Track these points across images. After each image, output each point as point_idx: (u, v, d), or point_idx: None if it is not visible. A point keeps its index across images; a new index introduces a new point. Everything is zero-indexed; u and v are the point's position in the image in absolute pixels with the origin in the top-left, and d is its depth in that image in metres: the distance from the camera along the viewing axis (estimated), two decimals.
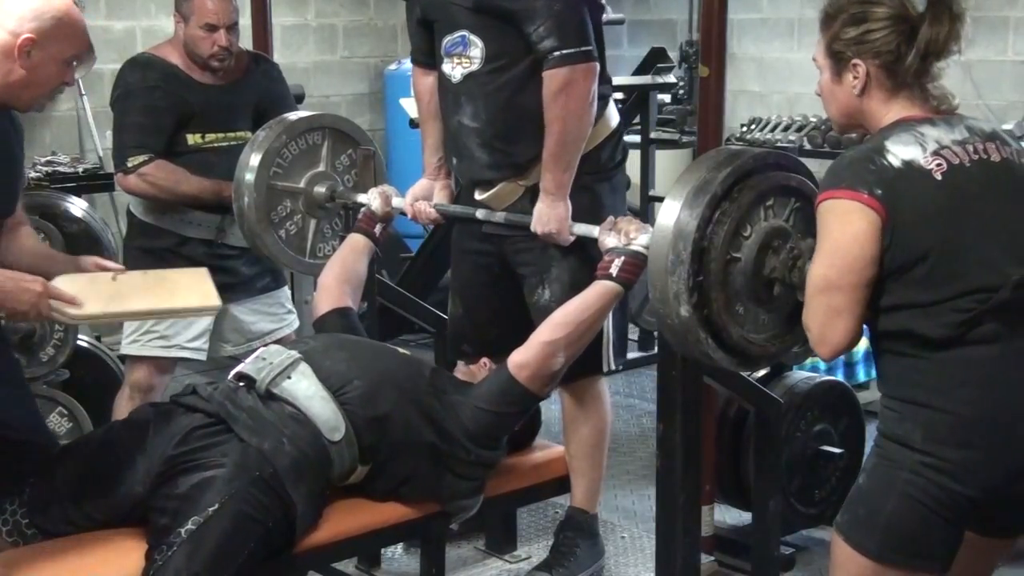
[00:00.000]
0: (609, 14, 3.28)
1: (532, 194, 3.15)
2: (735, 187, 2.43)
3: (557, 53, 2.98)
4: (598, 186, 3.19)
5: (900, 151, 2.18)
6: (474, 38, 3.11)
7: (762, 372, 3.70)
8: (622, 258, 2.79)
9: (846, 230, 2.17)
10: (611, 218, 2.88)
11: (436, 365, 3.03)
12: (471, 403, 2.82)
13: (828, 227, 2.20)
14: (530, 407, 2.92)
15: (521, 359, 2.81)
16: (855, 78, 2.27)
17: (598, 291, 2.82)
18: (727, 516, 3.85)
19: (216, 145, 3.79)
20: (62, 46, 2.63)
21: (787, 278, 2.43)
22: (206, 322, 3.80)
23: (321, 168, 3.56)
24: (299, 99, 6.05)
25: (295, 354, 2.82)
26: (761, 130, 6.30)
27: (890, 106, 2.27)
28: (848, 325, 2.20)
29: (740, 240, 2.43)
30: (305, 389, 2.74)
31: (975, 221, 2.17)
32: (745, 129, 6.46)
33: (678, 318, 2.43)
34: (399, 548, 3.59)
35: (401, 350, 3.00)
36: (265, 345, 3.75)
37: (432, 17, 3.23)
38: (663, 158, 6.17)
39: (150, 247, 3.82)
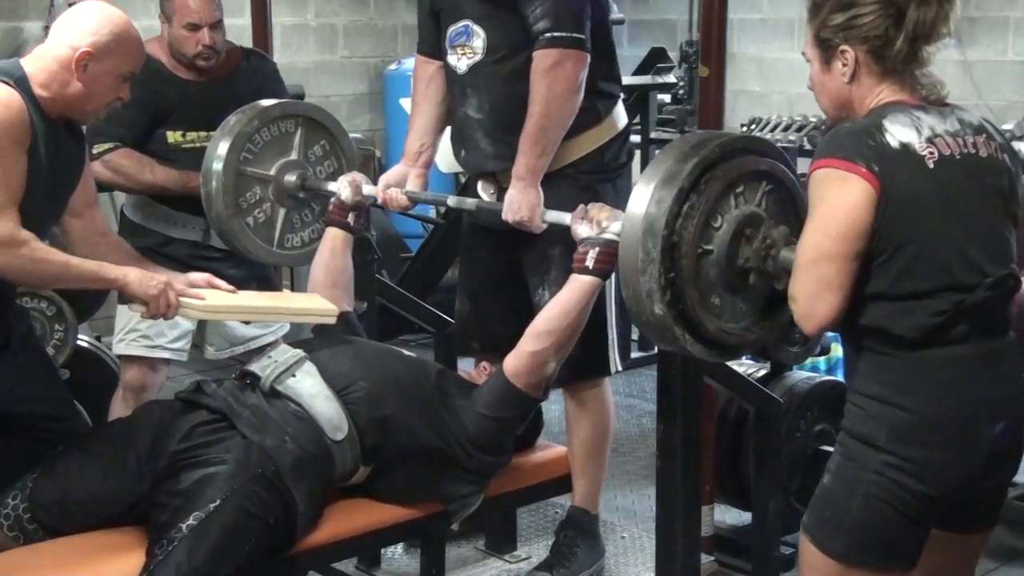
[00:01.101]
0: (614, 13, 3.27)
1: None
2: (702, 178, 2.36)
3: (548, 34, 2.99)
4: (601, 187, 3.18)
5: (898, 132, 2.16)
6: (477, 28, 3.12)
7: (762, 372, 3.71)
8: (596, 248, 2.73)
9: (843, 198, 2.13)
10: (582, 206, 2.81)
11: (441, 367, 3.02)
12: (474, 409, 2.81)
13: (823, 194, 2.16)
14: (531, 410, 2.92)
15: (513, 368, 2.81)
16: (844, 65, 2.24)
17: (577, 287, 2.77)
18: (727, 516, 3.85)
19: (198, 145, 3.69)
20: (118, 61, 2.73)
21: (762, 267, 2.38)
22: (189, 324, 3.78)
23: (293, 156, 3.48)
24: (299, 99, 6.07)
25: (300, 352, 2.82)
26: (761, 130, 6.29)
27: (880, 92, 2.24)
28: (836, 300, 2.15)
29: (711, 232, 2.37)
30: (309, 388, 2.74)
31: (959, 215, 2.16)
32: (745, 129, 6.46)
33: (653, 316, 2.38)
34: (399, 548, 3.59)
35: (406, 352, 3.00)
36: (248, 351, 3.77)
37: (439, 6, 3.25)
38: None
39: (134, 246, 3.78)
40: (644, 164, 5.66)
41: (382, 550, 3.51)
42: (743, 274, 2.40)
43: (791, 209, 2.46)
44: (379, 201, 3.30)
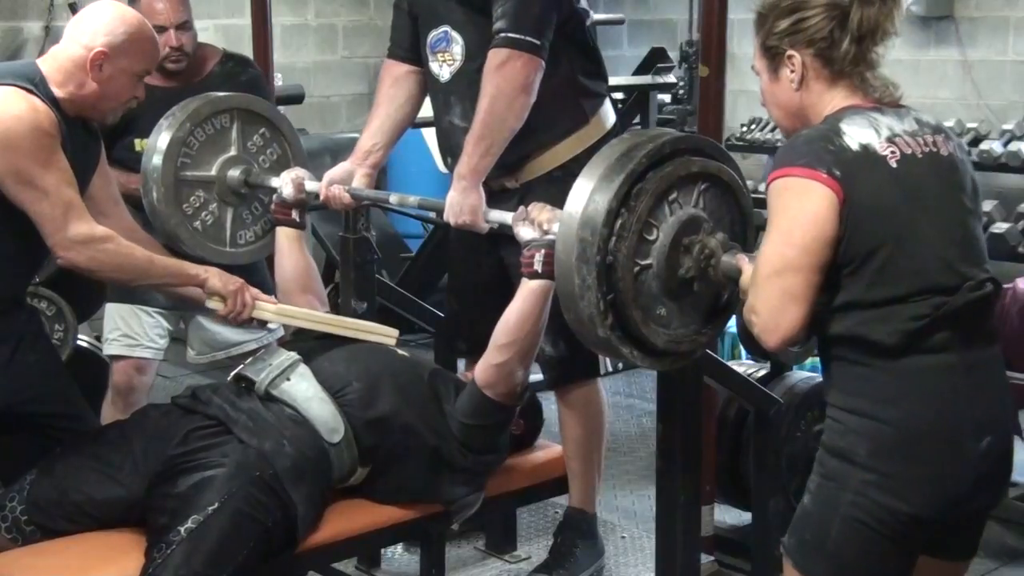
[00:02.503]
0: (591, 18, 3.24)
1: (521, 195, 3.11)
2: (632, 192, 2.27)
3: (503, 34, 2.94)
4: None
5: (856, 134, 2.10)
6: (455, 34, 3.10)
7: (762, 372, 3.71)
8: (542, 251, 2.66)
9: (805, 207, 2.05)
10: (522, 208, 2.75)
11: (436, 367, 3.02)
12: (456, 417, 2.81)
13: (784, 205, 2.08)
14: (510, 415, 2.89)
15: (483, 380, 2.79)
16: (792, 71, 2.19)
17: (528, 293, 2.73)
18: (727, 516, 3.85)
19: None
20: (133, 61, 2.75)
21: (705, 276, 2.31)
22: (170, 326, 3.76)
23: (232, 152, 3.34)
24: (299, 99, 6.07)
25: (294, 355, 2.82)
26: (761, 130, 6.30)
27: (831, 96, 2.18)
28: (802, 312, 2.07)
29: (647, 247, 2.29)
30: (304, 391, 2.74)
31: (928, 215, 2.10)
32: (745, 129, 6.46)
33: (598, 339, 2.32)
34: (399, 548, 3.59)
35: (400, 351, 3.00)
36: (231, 358, 3.76)
37: (416, 11, 3.22)
38: None
39: None
40: None
41: (382, 550, 3.50)
42: (687, 283, 2.33)
43: (732, 202, 2.39)
44: (321, 199, 3.23)
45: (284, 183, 3.21)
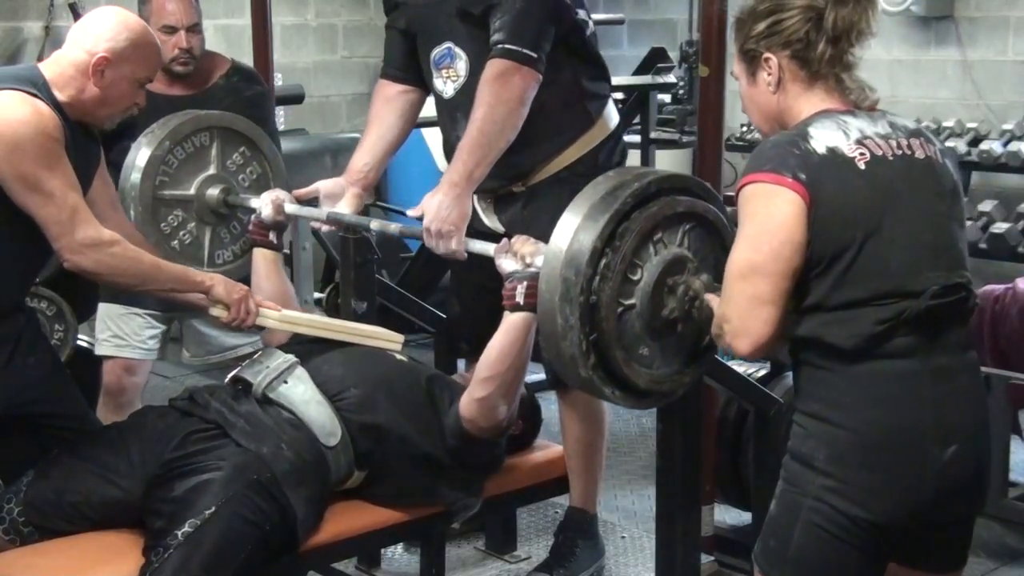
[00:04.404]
0: (591, 28, 3.24)
1: (527, 198, 3.14)
2: (617, 232, 2.24)
3: (501, 46, 2.94)
4: None
5: (823, 137, 2.09)
6: (458, 50, 3.11)
7: (762, 372, 3.70)
8: (524, 283, 2.62)
9: (772, 213, 2.05)
10: (504, 240, 2.71)
11: (434, 372, 3.00)
12: (447, 436, 2.77)
13: (752, 211, 2.08)
14: (495, 450, 2.86)
15: (467, 414, 2.75)
16: (769, 74, 2.19)
17: (511, 326, 2.68)
18: (727, 516, 3.85)
19: None
20: (134, 67, 2.75)
21: (688, 317, 2.29)
22: (161, 327, 3.75)
23: (211, 170, 3.32)
24: (299, 99, 6.07)
25: (292, 358, 2.81)
26: None
27: (808, 99, 2.18)
28: (772, 315, 2.05)
29: (631, 287, 2.27)
30: (301, 394, 2.74)
31: (898, 217, 2.08)
32: (745, 129, 6.46)
33: (579, 379, 2.29)
34: (399, 548, 3.59)
35: (398, 356, 2.99)
36: (225, 363, 3.75)
37: (415, 29, 3.22)
38: (663, 158, 6.18)
39: None
40: (644, 164, 5.68)
41: (382, 550, 3.51)
42: (670, 324, 2.31)
43: (717, 242, 2.37)
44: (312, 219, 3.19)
45: (264, 204, 3.17)
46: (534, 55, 2.95)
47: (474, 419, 2.74)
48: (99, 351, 3.78)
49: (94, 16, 2.79)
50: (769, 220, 2.06)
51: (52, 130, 2.59)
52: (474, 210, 3.27)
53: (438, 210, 2.90)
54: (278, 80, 5.50)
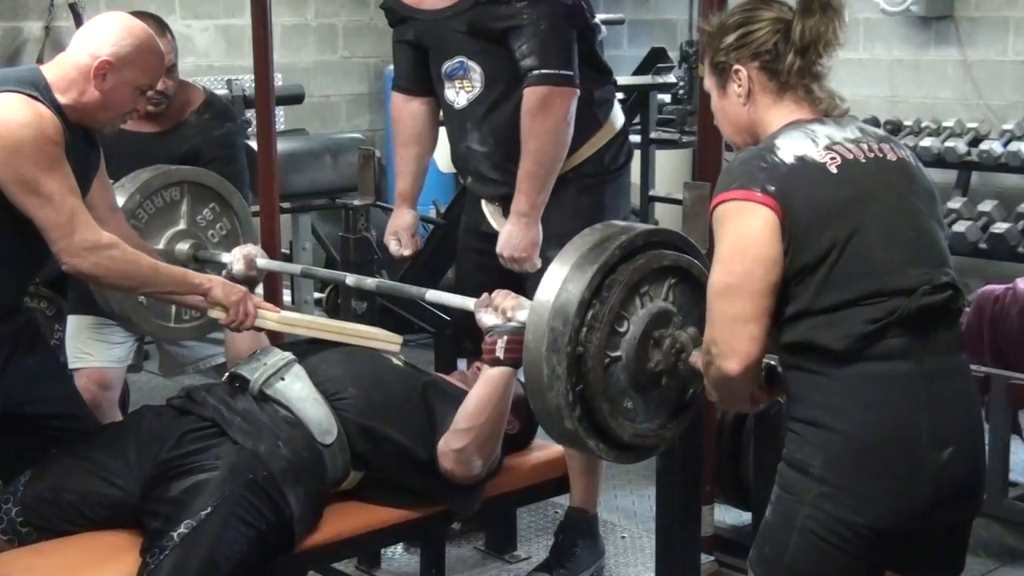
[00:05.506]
0: (603, 33, 3.26)
1: None
2: (604, 283, 2.23)
3: (536, 72, 3.00)
4: (600, 188, 3.20)
5: (791, 147, 2.10)
6: (472, 63, 3.13)
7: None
8: (504, 337, 2.60)
9: (743, 231, 2.05)
10: (485, 295, 2.68)
11: (429, 379, 2.98)
12: (437, 458, 2.75)
13: (724, 230, 2.08)
14: (474, 489, 2.84)
15: (445, 464, 2.73)
16: (739, 86, 2.19)
17: (490, 380, 2.67)
18: (727, 516, 3.84)
19: None
20: (137, 73, 2.75)
21: (674, 371, 2.27)
22: (132, 336, 3.64)
23: (181, 225, 3.29)
24: (299, 99, 6.07)
25: (289, 355, 2.82)
26: None
27: (778, 110, 2.18)
28: (756, 332, 2.05)
29: (618, 338, 2.25)
30: (298, 391, 2.74)
31: (876, 217, 2.07)
32: None
33: (564, 431, 2.26)
34: (399, 548, 3.59)
35: (395, 360, 2.98)
36: (200, 371, 3.72)
37: (427, 43, 3.24)
38: (663, 158, 6.18)
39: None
40: (644, 164, 5.68)
41: (382, 550, 3.50)
42: (655, 377, 2.30)
43: (700, 298, 2.33)
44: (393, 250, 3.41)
45: (236, 259, 3.13)
46: (569, 73, 3.03)
47: (451, 470, 2.74)
48: (72, 365, 3.60)
49: (100, 20, 2.79)
50: (740, 239, 2.06)
51: (52, 133, 2.59)
52: (481, 213, 3.30)
53: (509, 239, 3.10)
54: (278, 80, 5.50)
